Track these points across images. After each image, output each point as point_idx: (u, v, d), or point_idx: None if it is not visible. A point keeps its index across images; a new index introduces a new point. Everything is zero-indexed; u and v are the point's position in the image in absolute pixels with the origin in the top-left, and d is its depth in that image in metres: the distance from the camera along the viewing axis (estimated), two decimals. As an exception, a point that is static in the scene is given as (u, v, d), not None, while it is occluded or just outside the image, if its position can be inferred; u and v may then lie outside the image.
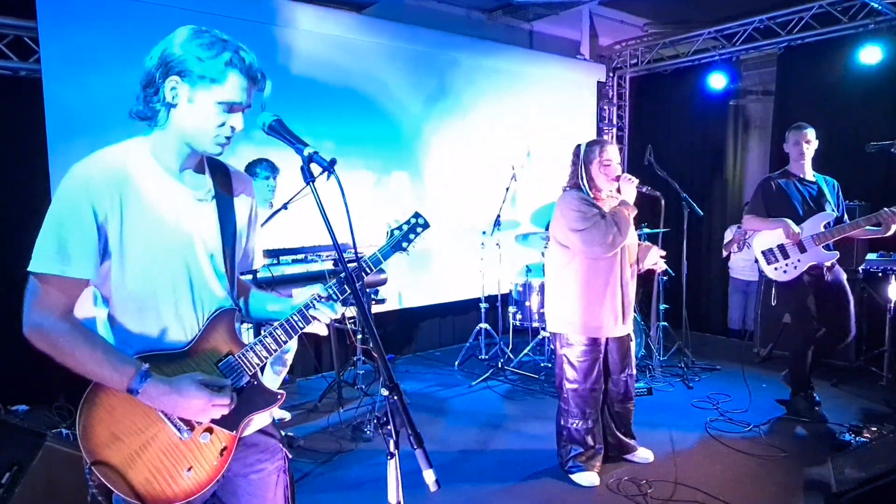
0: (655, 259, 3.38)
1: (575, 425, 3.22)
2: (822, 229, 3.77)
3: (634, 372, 3.38)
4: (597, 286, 3.13)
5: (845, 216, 3.94)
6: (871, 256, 4.89)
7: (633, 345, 3.37)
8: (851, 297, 3.89)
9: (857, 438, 3.28)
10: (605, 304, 3.13)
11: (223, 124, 1.39)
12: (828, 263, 3.84)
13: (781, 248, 3.86)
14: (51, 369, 3.85)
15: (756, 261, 4.02)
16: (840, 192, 4.02)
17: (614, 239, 3.02)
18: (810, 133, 3.91)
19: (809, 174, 3.97)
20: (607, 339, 3.23)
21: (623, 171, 3.24)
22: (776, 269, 3.89)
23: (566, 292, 3.19)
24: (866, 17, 5.21)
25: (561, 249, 3.22)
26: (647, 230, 5.07)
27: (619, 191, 3.21)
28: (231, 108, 1.38)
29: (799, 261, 3.81)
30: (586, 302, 3.13)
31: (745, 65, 6.47)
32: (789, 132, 4.00)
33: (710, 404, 4.35)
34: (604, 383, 3.27)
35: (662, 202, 3.42)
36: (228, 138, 1.42)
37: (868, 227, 3.70)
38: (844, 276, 3.96)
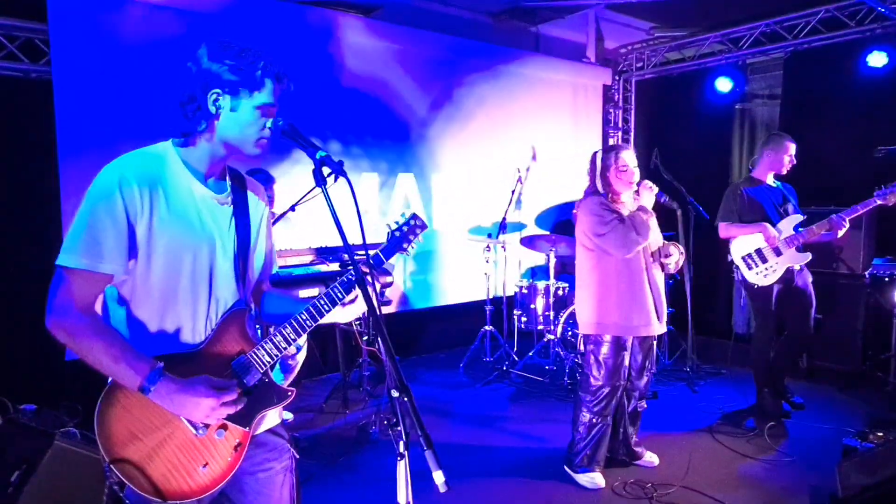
0: (677, 256, 3.33)
1: (592, 422, 3.24)
2: (793, 232, 3.90)
3: (655, 370, 3.40)
4: (620, 286, 3.17)
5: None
6: (877, 261, 4.88)
7: (654, 345, 3.39)
8: (814, 300, 4.04)
9: (863, 444, 3.27)
10: (633, 301, 3.17)
11: (263, 127, 1.48)
12: (797, 266, 3.96)
13: (759, 252, 3.97)
14: (59, 368, 3.85)
15: (736, 267, 4.10)
16: (796, 197, 4.14)
17: (634, 242, 3.08)
18: (794, 149, 4.03)
19: (772, 180, 4.10)
20: (633, 339, 3.25)
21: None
22: (757, 273, 3.99)
23: (592, 294, 3.24)
24: (874, 22, 5.20)
25: (586, 252, 3.27)
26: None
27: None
28: (268, 111, 1.47)
29: (777, 263, 3.93)
30: (611, 302, 3.17)
31: (751, 68, 6.45)
32: (780, 141, 4.03)
33: (716, 408, 4.34)
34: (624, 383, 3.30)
35: (679, 214, 3.45)
36: (267, 139, 1.50)
37: (825, 232, 3.84)
38: (811, 279, 4.08)
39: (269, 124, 1.48)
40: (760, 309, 4.07)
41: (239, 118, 1.45)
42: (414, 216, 1.75)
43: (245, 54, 1.44)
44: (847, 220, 3.76)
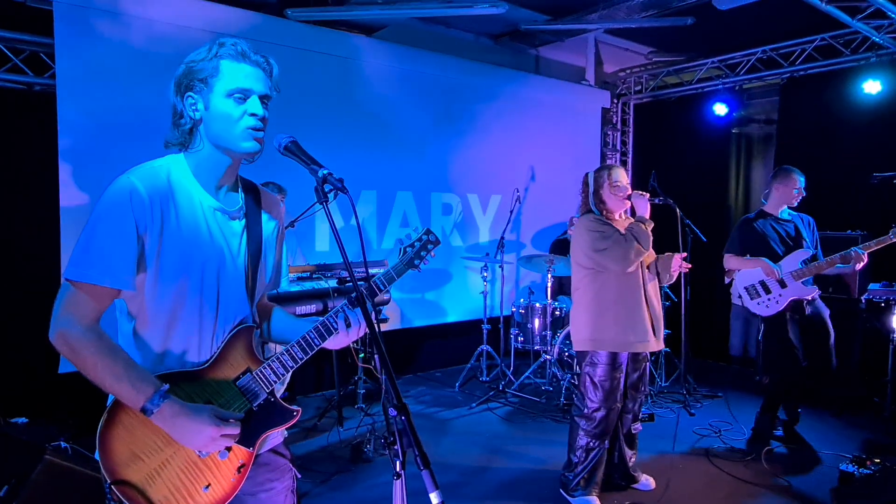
0: (678, 264, 3.32)
1: (590, 445, 3.21)
2: (800, 266, 3.91)
3: (647, 391, 3.38)
4: (619, 302, 3.17)
5: (819, 252, 4.06)
6: (873, 286, 4.89)
7: (647, 365, 3.38)
8: (832, 331, 4.02)
9: (861, 470, 3.26)
10: (631, 318, 3.17)
11: (243, 114, 1.41)
12: (808, 297, 3.96)
13: (763, 283, 4.00)
14: (51, 382, 3.81)
15: (739, 296, 4.12)
16: (815, 229, 4.16)
17: (637, 253, 3.10)
18: (803, 181, 4.06)
19: (785, 213, 4.13)
20: (627, 358, 3.25)
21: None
22: (759, 303, 4.02)
23: (589, 311, 3.23)
24: (868, 51, 5.29)
25: (583, 271, 3.28)
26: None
27: (632, 210, 3.28)
28: (243, 96, 1.41)
29: (780, 295, 3.94)
30: (609, 318, 3.17)
31: (748, 93, 6.53)
32: (787, 175, 4.05)
33: (712, 431, 4.32)
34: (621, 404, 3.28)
35: (678, 211, 3.50)
36: (258, 129, 1.43)
37: (839, 265, 3.83)
38: (827, 312, 4.07)
39: (252, 110, 1.40)
40: (779, 338, 4.02)
41: (215, 114, 1.40)
42: (427, 231, 1.72)
43: (205, 48, 1.40)
44: (866, 254, 3.75)
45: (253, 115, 1.41)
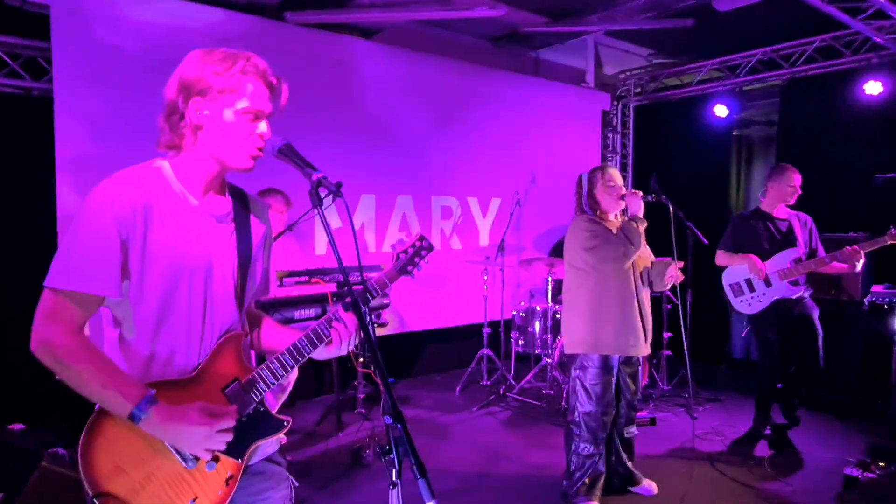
0: (675, 272, 3.29)
1: (586, 451, 3.18)
2: (789, 265, 3.86)
3: (640, 396, 3.37)
4: (612, 304, 3.15)
5: (820, 251, 3.99)
6: (876, 288, 4.86)
7: (640, 369, 3.36)
8: (820, 333, 3.96)
9: (865, 474, 3.23)
10: (624, 320, 3.14)
11: (252, 133, 1.40)
12: (794, 297, 3.92)
13: (748, 281, 3.99)
14: (48, 388, 3.78)
15: (724, 293, 4.12)
16: (814, 229, 4.09)
17: (626, 251, 3.08)
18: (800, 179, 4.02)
19: (782, 212, 4.07)
20: (618, 362, 3.22)
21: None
22: (742, 301, 4.03)
23: (582, 313, 3.21)
24: (869, 52, 5.27)
25: (574, 272, 3.26)
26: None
27: (625, 210, 3.26)
28: (256, 115, 1.40)
29: (764, 294, 3.93)
30: (603, 320, 3.15)
31: (748, 95, 6.51)
32: (783, 172, 4.01)
33: (715, 435, 4.29)
34: (615, 408, 3.25)
35: (670, 208, 3.39)
36: (261, 149, 1.42)
37: (836, 264, 3.77)
38: (817, 312, 4.01)
39: (261, 132, 1.40)
40: (763, 338, 4.03)
41: (223, 127, 1.38)
42: (421, 237, 1.70)
43: (228, 58, 1.37)
44: (863, 251, 3.66)
45: (261, 135, 1.41)
